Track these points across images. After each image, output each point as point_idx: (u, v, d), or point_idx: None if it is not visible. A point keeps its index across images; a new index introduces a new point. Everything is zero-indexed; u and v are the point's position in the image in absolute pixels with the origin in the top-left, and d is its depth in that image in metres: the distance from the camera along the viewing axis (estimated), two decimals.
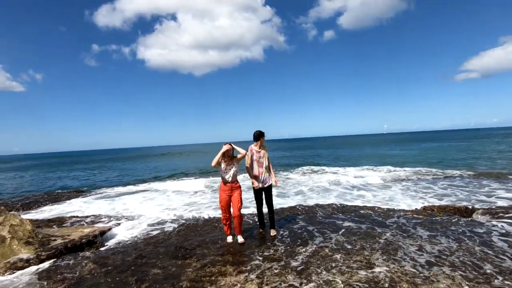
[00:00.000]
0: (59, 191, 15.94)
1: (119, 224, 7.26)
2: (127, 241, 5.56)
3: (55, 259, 4.65)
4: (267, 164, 4.85)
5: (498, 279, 3.11)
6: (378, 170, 18.73)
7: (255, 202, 5.01)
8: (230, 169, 4.62)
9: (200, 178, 20.11)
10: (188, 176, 22.13)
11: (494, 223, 5.16)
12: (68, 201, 11.78)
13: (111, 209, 10.56)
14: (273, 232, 4.98)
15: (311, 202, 8.56)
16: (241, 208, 4.67)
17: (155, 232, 6.03)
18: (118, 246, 5.14)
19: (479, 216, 5.78)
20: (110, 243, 5.65)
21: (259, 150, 4.83)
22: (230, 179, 4.61)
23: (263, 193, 4.93)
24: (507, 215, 5.53)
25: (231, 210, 4.72)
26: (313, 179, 15.97)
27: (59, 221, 7.61)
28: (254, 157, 4.79)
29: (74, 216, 8.33)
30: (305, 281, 3.26)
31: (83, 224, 7.26)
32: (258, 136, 4.76)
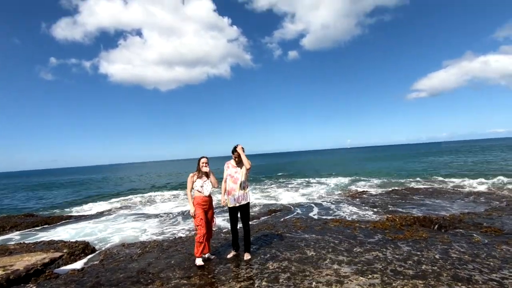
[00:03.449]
0: (4, 215, 14.27)
1: (73, 251, 6.61)
2: (83, 268, 5.05)
3: None
4: (243, 180, 4.51)
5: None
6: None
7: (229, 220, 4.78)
8: (208, 182, 4.53)
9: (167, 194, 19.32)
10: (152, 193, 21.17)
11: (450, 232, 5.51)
12: (13, 227, 10.56)
13: (67, 233, 9.65)
14: (247, 256, 4.54)
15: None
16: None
17: (115, 257, 5.56)
18: (72, 275, 4.63)
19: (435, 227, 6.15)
20: (63, 272, 5.09)
21: (236, 165, 4.59)
22: (207, 193, 4.50)
23: (238, 212, 4.60)
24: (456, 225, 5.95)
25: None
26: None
27: (1, 249, 6.75)
28: (229, 172, 4.57)
29: (21, 243, 7.45)
30: None
31: (32, 252, 6.49)
32: (233, 150, 4.54)
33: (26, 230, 10.55)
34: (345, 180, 23.36)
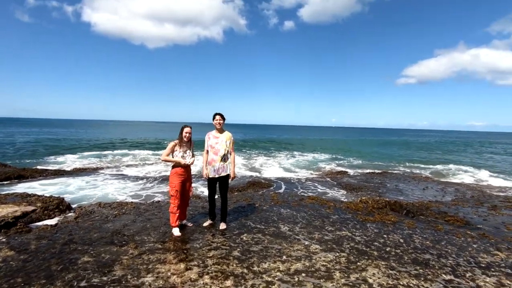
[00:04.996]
0: None
1: (47, 206, 6.52)
2: (56, 224, 5.02)
3: None
4: (224, 152, 4.45)
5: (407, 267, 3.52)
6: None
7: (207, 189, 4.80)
8: (188, 152, 4.44)
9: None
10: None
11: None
12: None
13: (42, 188, 9.48)
14: (222, 226, 4.63)
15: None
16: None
17: (91, 216, 5.54)
18: (45, 230, 4.60)
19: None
20: (35, 227, 5.05)
21: (217, 135, 4.51)
22: (188, 162, 4.42)
23: (217, 183, 4.62)
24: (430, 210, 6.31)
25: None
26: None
27: None
28: (210, 142, 4.50)
29: None
30: (246, 270, 3.28)
31: (3, 204, 6.35)
32: (213, 117, 4.46)
33: None
34: (326, 158, 23.97)
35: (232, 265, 3.38)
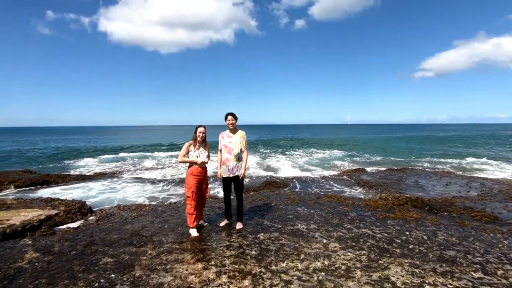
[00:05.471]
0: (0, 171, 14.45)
1: (70, 209, 6.73)
2: (78, 227, 5.16)
3: None
4: (238, 151, 4.44)
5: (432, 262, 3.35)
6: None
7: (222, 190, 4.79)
8: (203, 152, 4.43)
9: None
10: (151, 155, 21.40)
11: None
12: (11, 183, 10.70)
13: (65, 192, 9.82)
14: (239, 225, 4.61)
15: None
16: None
17: (111, 218, 5.67)
18: (67, 233, 4.74)
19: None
20: (58, 230, 5.22)
21: (231, 135, 4.50)
22: (202, 164, 4.41)
23: (231, 183, 4.59)
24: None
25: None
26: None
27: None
28: (223, 142, 4.49)
29: (18, 199, 7.57)
30: (263, 270, 3.23)
31: (29, 208, 6.61)
32: (225, 117, 4.45)
33: (25, 187, 10.73)
34: (343, 155, 23.58)
35: (250, 265, 3.35)
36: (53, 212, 6.18)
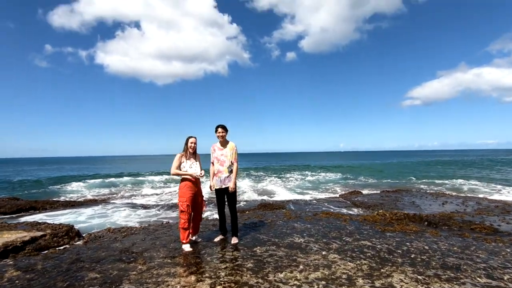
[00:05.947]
0: None
1: (57, 232, 6.41)
2: (64, 247, 4.89)
3: None
4: (229, 163, 4.37)
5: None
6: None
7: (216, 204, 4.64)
8: (196, 163, 4.33)
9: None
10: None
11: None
12: None
13: (53, 217, 9.43)
14: (234, 240, 4.44)
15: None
16: None
17: (99, 239, 5.41)
18: (52, 253, 4.47)
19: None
20: (43, 250, 4.93)
21: (221, 147, 4.45)
22: (199, 174, 4.30)
23: (224, 195, 4.47)
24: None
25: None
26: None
27: None
28: (215, 155, 4.44)
29: (2, 223, 7.21)
30: (261, 280, 3.06)
31: (14, 230, 6.28)
32: (215, 129, 4.40)
33: (10, 213, 10.28)
34: (337, 178, 23.48)
35: (246, 276, 3.17)
36: (39, 234, 5.87)
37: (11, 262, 4.05)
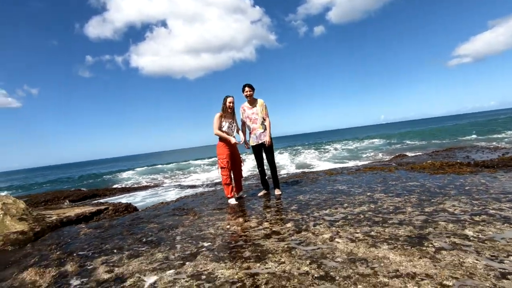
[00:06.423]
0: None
1: (117, 208, 7.11)
2: (126, 213, 5.42)
3: (50, 233, 4.51)
4: (262, 120, 4.42)
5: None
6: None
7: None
8: (232, 123, 4.44)
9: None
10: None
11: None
12: (66, 197, 11.63)
13: (115, 201, 10.45)
14: (277, 192, 4.55)
15: None
16: None
17: (155, 202, 5.90)
18: (117, 216, 5.00)
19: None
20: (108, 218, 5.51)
21: (250, 106, 4.50)
22: (233, 134, 4.43)
23: (262, 151, 4.55)
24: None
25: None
26: None
27: (56, 207, 7.48)
28: (246, 114, 4.51)
29: (72, 205, 8.18)
30: (305, 216, 3.12)
31: (82, 206, 7.11)
32: (242, 89, 4.42)
33: (77, 201, 11.59)
34: (381, 144, 22.36)
35: (291, 214, 3.26)
36: (102, 207, 6.58)
37: (83, 226, 4.62)
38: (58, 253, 2.97)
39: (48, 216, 5.43)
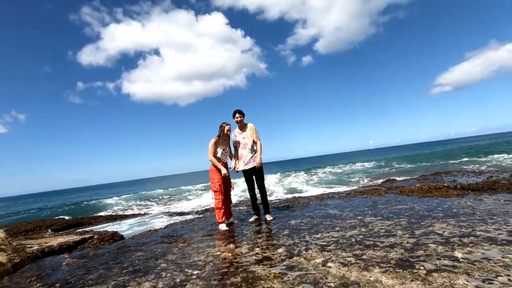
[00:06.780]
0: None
1: (103, 237, 6.84)
2: (112, 241, 5.21)
3: (30, 264, 4.28)
4: (251, 144, 4.44)
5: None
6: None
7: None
8: (226, 149, 4.48)
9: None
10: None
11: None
12: (49, 227, 11.13)
13: (101, 229, 10.04)
14: (268, 217, 4.49)
15: None
16: None
17: (142, 230, 5.71)
18: (102, 245, 4.80)
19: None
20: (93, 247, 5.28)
21: (241, 131, 4.55)
22: (226, 159, 4.46)
23: (252, 175, 4.54)
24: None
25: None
26: None
27: (38, 237, 7.13)
28: (237, 139, 4.55)
29: (55, 234, 7.82)
30: (297, 241, 3.09)
31: (65, 235, 6.80)
32: (233, 115, 4.50)
33: (61, 230, 11.09)
34: (371, 167, 22.60)
35: (283, 239, 3.22)
36: (87, 236, 6.31)
37: (66, 256, 4.40)
38: (38, 285, 2.82)
39: (29, 246, 5.17)
